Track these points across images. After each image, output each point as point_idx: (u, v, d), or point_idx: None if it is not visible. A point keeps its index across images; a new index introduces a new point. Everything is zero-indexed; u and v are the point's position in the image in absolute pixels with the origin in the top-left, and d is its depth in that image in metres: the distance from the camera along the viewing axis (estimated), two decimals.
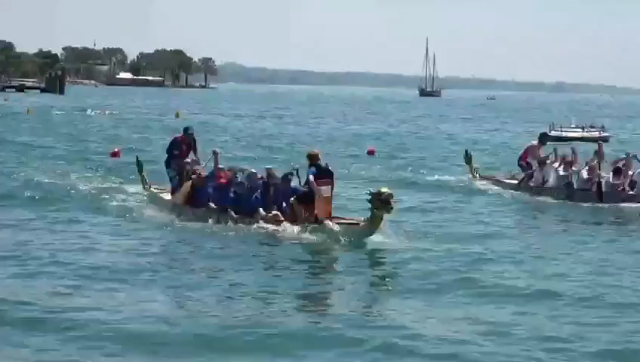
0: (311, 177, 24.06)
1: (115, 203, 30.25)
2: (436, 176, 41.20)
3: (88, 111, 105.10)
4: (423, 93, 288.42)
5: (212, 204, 26.36)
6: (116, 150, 51.85)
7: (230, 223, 25.36)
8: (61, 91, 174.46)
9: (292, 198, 24.71)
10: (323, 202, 23.86)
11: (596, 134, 69.41)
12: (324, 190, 23.94)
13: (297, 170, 25.93)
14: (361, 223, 23.00)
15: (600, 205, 31.84)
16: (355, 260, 21.93)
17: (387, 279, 20.19)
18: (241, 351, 14.62)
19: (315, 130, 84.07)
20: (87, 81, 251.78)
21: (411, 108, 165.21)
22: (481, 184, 37.96)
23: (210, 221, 25.87)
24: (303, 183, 25.14)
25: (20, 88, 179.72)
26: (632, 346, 15.02)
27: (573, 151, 35.29)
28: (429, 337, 14.97)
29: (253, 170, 26.70)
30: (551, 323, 16.32)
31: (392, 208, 21.85)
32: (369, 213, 22.50)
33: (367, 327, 15.59)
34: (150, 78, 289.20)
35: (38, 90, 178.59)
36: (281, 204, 25.10)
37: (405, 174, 42.66)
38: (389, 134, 79.63)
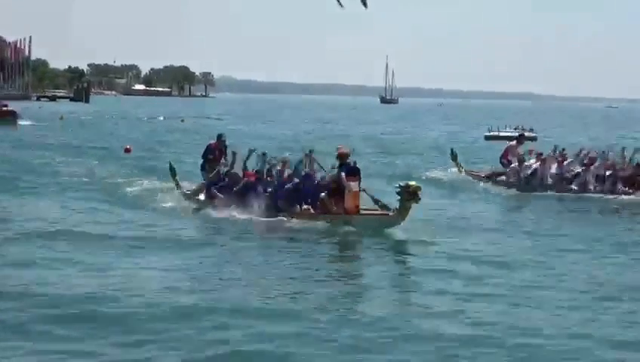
0: (342, 174, 23.19)
1: (155, 202, 28.52)
2: (427, 173, 38.53)
3: (160, 118, 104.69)
4: (383, 100, 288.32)
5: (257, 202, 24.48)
6: (128, 147, 51.85)
7: (264, 218, 24.02)
8: (87, 100, 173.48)
9: (323, 193, 23.50)
10: (352, 197, 22.90)
11: (529, 132, 70.29)
12: (353, 185, 22.95)
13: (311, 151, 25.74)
14: (390, 213, 22.14)
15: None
16: (378, 251, 20.73)
17: (407, 272, 19.08)
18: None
19: (291, 131, 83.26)
20: (107, 92, 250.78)
21: (373, 113, 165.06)
22: (467, 178, 36.42)
23: (245, 216, 24.39)
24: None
25: (53, 98, 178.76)
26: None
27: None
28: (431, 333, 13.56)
29: (278, 167, 25.51)
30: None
31: (419, 199, 21.17)
32: (397, 204, 21.64)
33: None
34: (160, 88, 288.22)
35: (68, 100, 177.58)
36: (307, 198, 24.04)
37: (399, 171, 40.88)
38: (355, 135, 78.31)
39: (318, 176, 24.74)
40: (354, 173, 23.22)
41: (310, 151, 25.87)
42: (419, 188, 21.15)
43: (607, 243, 22.49)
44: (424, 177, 36.25)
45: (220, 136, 30.12)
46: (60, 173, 37.81)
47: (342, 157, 23.96)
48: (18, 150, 50.36)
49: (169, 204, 28.19)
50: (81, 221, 24.87)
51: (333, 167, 24.79)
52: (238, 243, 21.57)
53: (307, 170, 24.94)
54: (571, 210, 29.20)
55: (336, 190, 23.20)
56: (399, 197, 21.34)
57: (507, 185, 33.96)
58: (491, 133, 74.09)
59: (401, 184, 21.47)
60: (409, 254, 20.80)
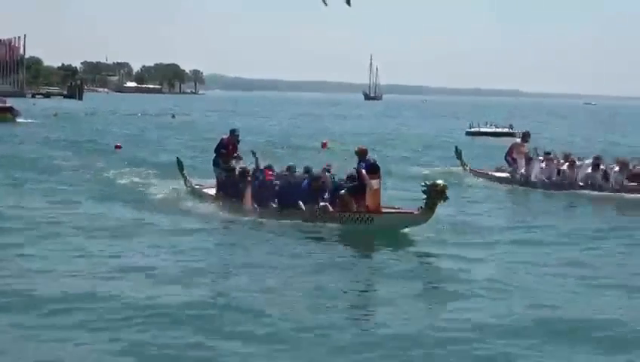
0: (363, 171, 22.00)
1: (157, 196, 28.45)
2: (426, 170, 37.17)
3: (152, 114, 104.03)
4: (367, 97, 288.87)
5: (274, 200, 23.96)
6: (118, 144, 51.75)
7: (280, 216, 23.25)
8: (80, 97, 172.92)
9: (342, 191, 22.48)
10: (373, 194, 21.58)
11: (505, 130, 70.86)
12: (374, 183, 21.63)
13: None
14: (415, 212, 20.94)
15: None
16: (397, 250, 19.92)
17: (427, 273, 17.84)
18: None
19: (277, 125, 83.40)
20: (100, 89, 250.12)
21: (357, 109, 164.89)
22: (473, 176, 35.86)
23: (260, 214, 23.76)
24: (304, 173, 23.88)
25: (47, 95, 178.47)
26: None
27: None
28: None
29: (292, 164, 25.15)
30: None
31: (447, 197, 20.32)
32: (424, 203, 20.46)
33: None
34: (151, 85, 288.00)
35: (61, 97, 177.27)
36: (323, 196, 22.96)
37: (395, 167, 38.79)
38: (345, 131, 78.11)
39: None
40: (374, 170, 22.16)
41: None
42: (446, 186, 20.28)
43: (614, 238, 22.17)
44: (425, 173, 35.26)
45: (233, 131, 29.21)
46: (55, 168, 38.19)
47: (361, 154, 23.24)
48: (16, 145, 50.69)
49: (159, 196, 28.32)
50: (78, 215, 24.77)
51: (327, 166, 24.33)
52: (256, 242, 20.85)
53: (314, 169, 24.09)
54: (575, 207, 28.77)
55: (357, 187, 22.15)
56: (425, 196, 20.37)
57: (512, 182, 33.43)
58: (472, 130, 74.57)
59: (428, 183, 20.54)
60: (427, 254, 19.90)
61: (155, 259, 18.51)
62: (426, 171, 36.70)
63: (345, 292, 15.90)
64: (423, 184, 20.59)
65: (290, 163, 25.50)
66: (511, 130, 70.49)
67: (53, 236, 21.39)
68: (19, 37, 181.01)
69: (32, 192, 30.13)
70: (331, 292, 15.62)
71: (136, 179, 33.18)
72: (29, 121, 74.96)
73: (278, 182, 24.30)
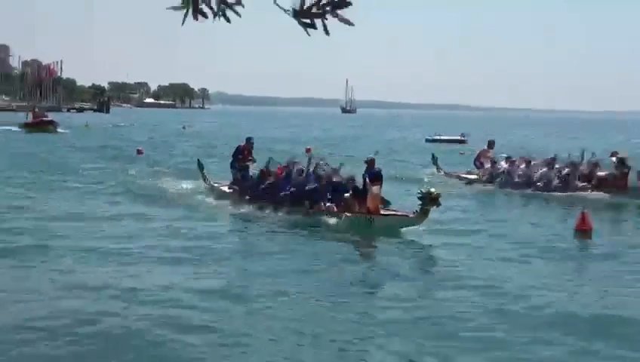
0: (367, 179, 21.76)
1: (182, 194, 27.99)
2: (408, 174, 36.45)
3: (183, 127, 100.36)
4: (344, 110, 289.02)
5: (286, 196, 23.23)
6: (140, 148, 51.62)
7: (286, 213, 22.64)
8: (107, 111, 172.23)
9: (347, 194, 21.99)
10: (373, 199, 21.20)
11: (457, 138, 71.83)
12: (375, 189, 21.29)
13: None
14: (411, 215, 20.29)
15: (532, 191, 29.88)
16: (395, 247, 19.07)
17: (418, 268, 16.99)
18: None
19: (268, 134, 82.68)
20: (124, 105, 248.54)
21: (335, 120, 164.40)
22: (445, 178, 34.73)
23: (268, 211, 23.14)
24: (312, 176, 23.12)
25: (80, 109, 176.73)
26: None
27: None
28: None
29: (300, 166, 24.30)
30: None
31: (440, 204, 19.87)
32: (419, 208, 19.77)
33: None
34: (166, 101, 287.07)
35: (92, 111, 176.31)
36: (326, 196, 22.46)
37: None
38: (322, 138, 78.19)
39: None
40: (377, 178, 21.88)
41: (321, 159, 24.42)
42: (439, 195, 19.90)
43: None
44: (407, 177, 34.94)
45: (249, 139, 28.85)
46: (88, 168, 38.20)
47: (370, 164, 22.81)
48: (57, 150, 50.91)
49: (177, 192, 28.15)
50: (108, 212, 24.54)
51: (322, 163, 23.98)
52: (265, 236, 20.18)
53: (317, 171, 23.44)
54: (537, 205, 28.07)
55: (360, 191, 21.85)
56: (420, 202, 19.82)
57: (481, 183, 32.59)
58: (431, 137, 75.36)
59: (423, 191, 20.05)
60: (421, 248, 19.33)
61: (173, 244, 18.34)
62: (416, 175, 36.20)
63: (348, 281, 15.24)
64: (419, 192, 20.21)
65: (301, 166, 24.51)
66: (462, 138, 71.69)
67: (84, 223, 21.41)
68: (56, 62, 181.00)
69: (68, 188, 30.35)
70: (333, 283, 14.99)
71: (156, 178, 33.07)
72: (66, 131, 74.74)
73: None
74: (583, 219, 21.19)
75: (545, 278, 15.53)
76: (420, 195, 19.88)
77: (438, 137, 74.17)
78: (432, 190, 20.01)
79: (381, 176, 22.15)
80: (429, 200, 19.61)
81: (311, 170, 23.55)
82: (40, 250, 17.53)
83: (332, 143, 67.72)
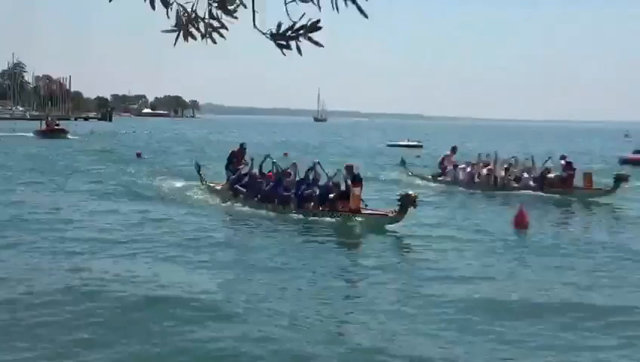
0: (349, 181, 21.45)
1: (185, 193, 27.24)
2: (382, 175, 36.32)
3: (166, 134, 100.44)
4: (316, 120, 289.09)
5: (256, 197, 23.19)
6: (139, 152, 51.50)
7: (275, 212, 22.21)
8: (110, 120, 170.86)
9: (332, 195, 21.62)
10: (355, 199, 20.98)
11: (414, 143, 72.55)
12: (357, 190, 21.11)
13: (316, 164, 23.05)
14: (390, 214, 20.13)
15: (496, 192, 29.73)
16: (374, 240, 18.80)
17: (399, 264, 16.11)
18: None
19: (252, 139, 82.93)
20: (125, 114, 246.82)
21: (309, 127, 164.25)
22: (414, 179, 34.23)
23: (260, 209, 22.69)
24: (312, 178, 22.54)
25: (86, 118, 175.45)
26: None
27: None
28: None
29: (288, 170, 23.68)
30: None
31: (417, 205, 19.63)
32: (398, 207, 19.75)
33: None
34: (161, 111, 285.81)
35: (97, 120, 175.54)
36: (312, 196, 22.10)
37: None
38: (297, 143, 77.50)
39: (322, 181, 22.67)
40: (359, 181, 21.67)
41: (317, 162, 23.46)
42: (417, 197, 19.79)
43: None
44: (382, 178, 34.59)
45: (242, 145, 28.10)
46: (93, 169, 38.11)
47: (348, 169, 22.25)
48: (66, 154, 50.67)
49: (175, 190, 27.73)
50: (108, 203, 24.59)
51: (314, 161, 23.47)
52: (256, 233, 19.53)
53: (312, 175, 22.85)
54: (491, 202, 27.83)
55: (343, 193, 21.49)
56: (400, 202, 19.77)
57: (444, 183, 32.50)
58: (392, 143, 76.17)
59: (402, 193, 20.10)
60: (398, 241, 18.95)
61: (171, 239, 17.82)
62: (389, 176, 35.97)
63: (332, 270, 15.00)
64: (398, 194, 20.27)
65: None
66: (418, 143, 72.50)
67: (86, 216, 21.38)
68: (65, 77, 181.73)
69: (75, 185, 30.26)
70: (319, 274, 14.57)
71: (153, 177, 32.96)
72: (75, 137, 74.62)
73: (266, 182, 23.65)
74: (521, 215, 21.32)
75: (482, 266, 15.58)
76: (400, 197, 19.92)
77: (397, 143, 74.99)
78: (411, 193, 20.09)
79: (361, 179, 21.95)
80: (408, 201, 19.62)
81: (310, 176, 22.85)
82: (45, 238, 17.65)
83: (306, 148, 67.92)
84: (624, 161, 47.51)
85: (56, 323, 10.83)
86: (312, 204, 21.90)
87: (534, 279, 14.51)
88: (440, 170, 34.22)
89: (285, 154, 50.79)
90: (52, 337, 10.20)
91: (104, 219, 21.01)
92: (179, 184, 29.85)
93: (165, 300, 12.03)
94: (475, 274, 14.67)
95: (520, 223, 21.06)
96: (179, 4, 3.48)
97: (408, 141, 75.84)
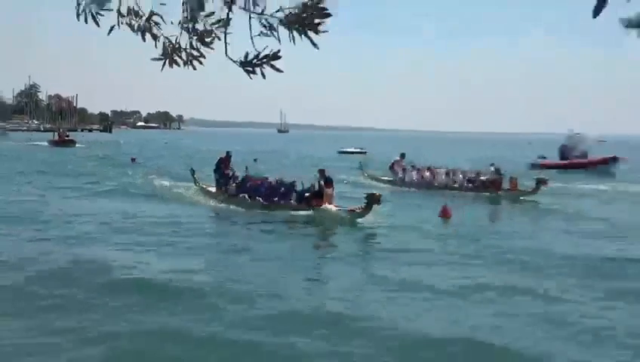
0: (322, 182, 21.12)
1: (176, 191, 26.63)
2: (344, 177, 34.16)
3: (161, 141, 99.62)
4: (279, 131, 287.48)
5: (246, 195, 22.68)
6: (134, 157, 51.04)
7: (261, 208, 21.72)
8: (110, 132, 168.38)
9: (307, 194, 21.33)
10: (328, 197, 20.72)
11: (359, 150, 73.08)
12: (329, 190, 20.87)
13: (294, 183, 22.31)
14: (358, 209, 19.85)
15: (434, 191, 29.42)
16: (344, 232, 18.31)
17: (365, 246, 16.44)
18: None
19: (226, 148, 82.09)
20: (122, 127, 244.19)
21: (273, 138, 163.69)
22: (370, 181, 33.55)
23: (248, 205, 22.24)
24: (306, 187, 21.87)
25: (90, 130, 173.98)
26: None
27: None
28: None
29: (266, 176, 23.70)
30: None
31: (381, 203, 19.62)
32: (364, 204, 19.55)
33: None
34: (153, 125, 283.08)
35: (99, 131, 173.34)
36: (292, 196, 21.74)
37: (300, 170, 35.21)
38: (267, 151, 76.90)
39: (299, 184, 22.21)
40: (330, 182, 21.31)
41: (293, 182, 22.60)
42: (381, 196, 19.81)
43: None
44: (345, 181, 32.77)
45: (228, 153, 26.52)
46: (94, 172, 37.53)
47: (321, 173, 21.72)
48: (74, 160, 49.93)
49: (169, 191, 26.86)
50: (107, 203, 24.14)
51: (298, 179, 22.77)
52: (243, 227, 18.84)
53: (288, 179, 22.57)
54: (430, 200, 26.42)
55: (317, 193, 21.11)
56: (366, 200, 19.60)
57: (395, 185, 31.89)
58: (342, 150, 76.40)
59: (368, 193, 20.01)
60: (365, 233, 18.33)
61: (167, 236, 16.81)
62: (350, 179, 34.36)
63: (309, 261, 14.45)
64: (365, 194, 20.16)
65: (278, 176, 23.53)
66: (362, 151, 73.04)
67: (88, 212, 20.86)
68: (73, 96, 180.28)
69: (81, 184, 29.94)
70: (294, 260, 14.13)
71: (146, 179, 32.46)
72: (81, 146, 73.79)
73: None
74: (445, 209, 21.89)
75: (415, 249, 15.65)
76: (366, 196, 19.95)
77: (346, 150, 75.42)
78: (376, 192, 20.23)
79: (332, 181, 21.62)
80: (372, 199, 19.63)
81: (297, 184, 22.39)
82: (54, 230, 17.28)
83: (276, 156, 67.63)
84: (533, 166, 47.10)
85: (56, 304, 10.40)
86: (292, 201, 21.65)
87: (447, 258, 14.70)
88: (391, 173, 33.83)
89: (255, 160, 50.67)
90: (57, 316, 9.82)
91: (102, 212, 20.68)
92: (168, 183, 29.51)
93: (155, 284, 11.53)
94: (413, 258, 14.64)
95: (444, 215, 21.69)
96: (165, 37, 3.57)
97: (354, 148, 76.86)
